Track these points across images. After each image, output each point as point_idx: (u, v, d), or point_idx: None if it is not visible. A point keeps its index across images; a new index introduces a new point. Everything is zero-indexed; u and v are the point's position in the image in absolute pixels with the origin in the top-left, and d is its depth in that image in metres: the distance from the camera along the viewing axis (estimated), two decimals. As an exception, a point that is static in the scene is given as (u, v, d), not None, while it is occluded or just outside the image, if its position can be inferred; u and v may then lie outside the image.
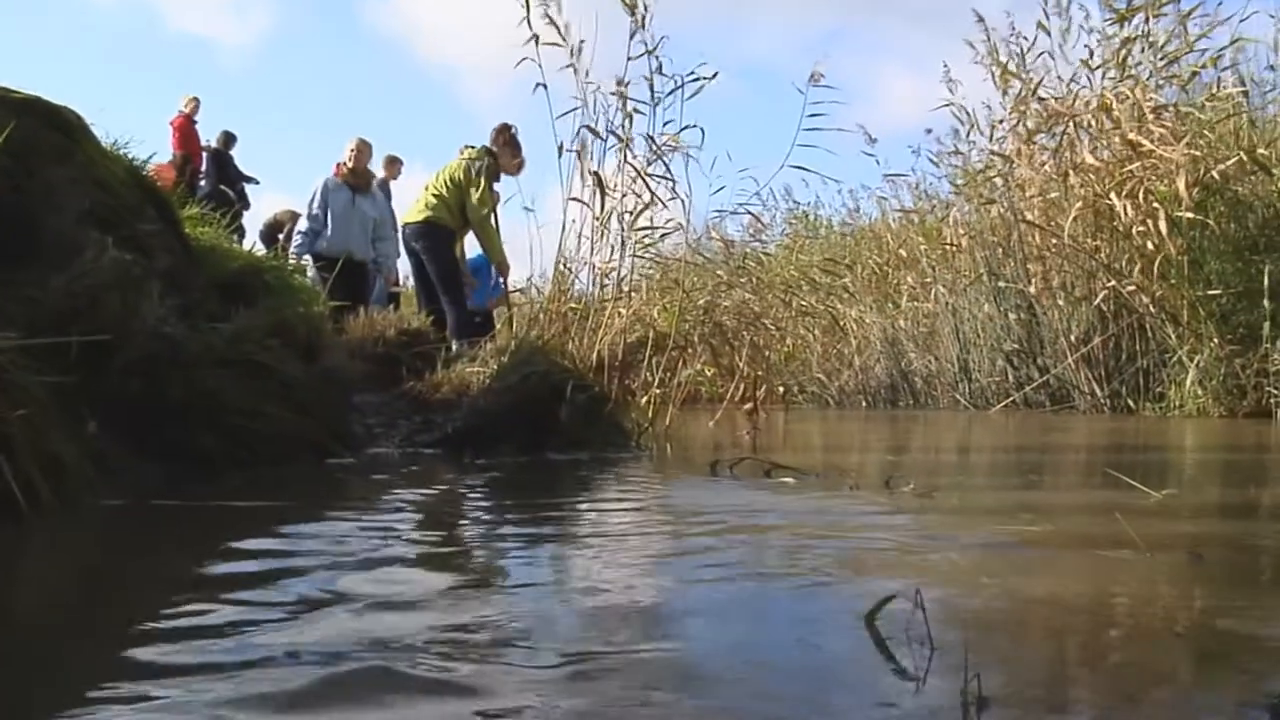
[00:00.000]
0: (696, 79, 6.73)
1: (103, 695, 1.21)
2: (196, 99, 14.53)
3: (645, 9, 6.56)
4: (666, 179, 6.82)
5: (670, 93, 6.67)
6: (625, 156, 6.71)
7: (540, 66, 6.55)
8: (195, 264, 4.48)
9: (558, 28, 6.49)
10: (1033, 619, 1.72)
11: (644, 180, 6.67)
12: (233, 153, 14.82)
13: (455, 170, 8.60)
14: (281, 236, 13.03)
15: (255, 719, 1.13)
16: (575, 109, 6.58)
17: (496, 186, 8.70)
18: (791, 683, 1.30)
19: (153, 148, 4.66)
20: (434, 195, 8.62)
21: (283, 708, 1.16)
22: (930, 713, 1.18)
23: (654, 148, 6.70)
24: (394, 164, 12.37)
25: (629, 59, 6.61)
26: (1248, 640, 1.59)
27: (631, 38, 6.59)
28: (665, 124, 6.71)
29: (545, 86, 6.55)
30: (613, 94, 6.62)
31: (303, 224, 10.08)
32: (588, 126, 6.60)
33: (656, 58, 6.62)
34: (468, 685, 1.25)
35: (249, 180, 15.06)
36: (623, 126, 6.66)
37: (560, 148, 6.60)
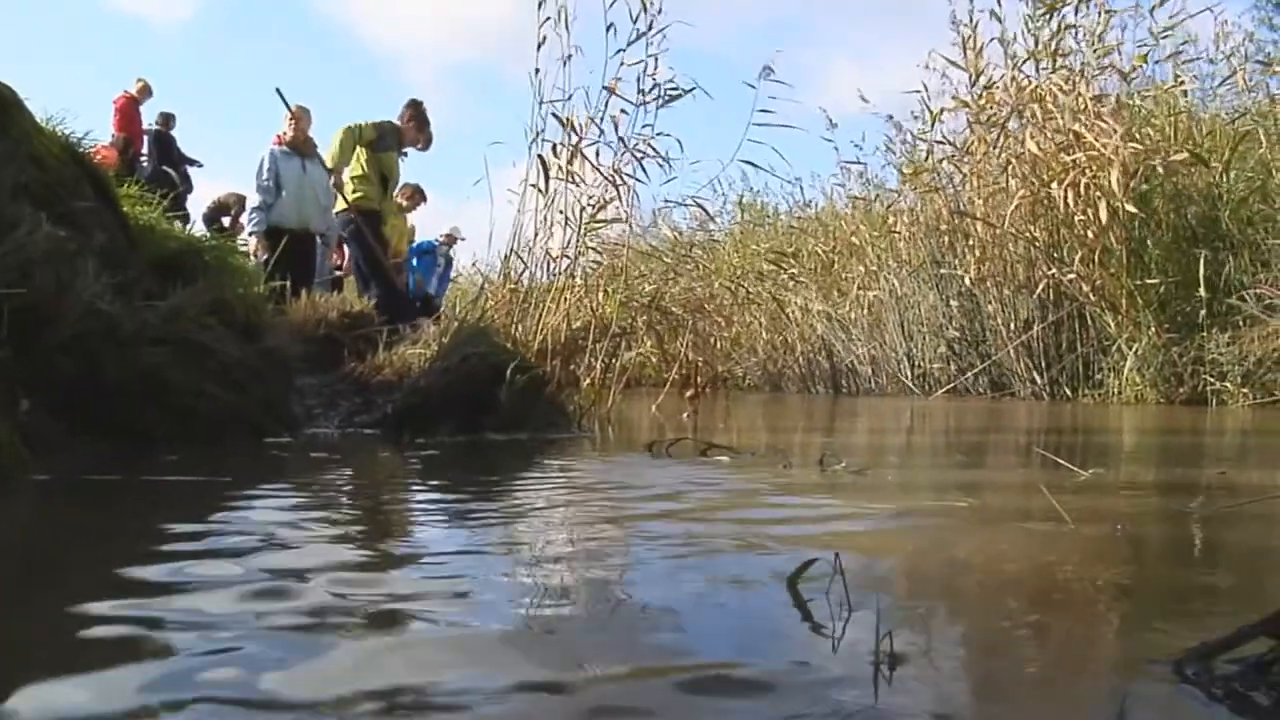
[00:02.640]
0: (676, 89, 6.89)
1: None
2: (147, 84, 14.19)
3: (650, 24, 6.68)
4: (634, 178, 7.00)
5: (650, 100, 6.84)
6: (598, 154, 6.88)
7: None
8: (133, 242, 4.41)
9: (566, 25, 6.57)
10: (951, 584, 1.76)
11: (617, 177, 6.81)
12: (174, 134, 14.58)
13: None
14: (227, 220, 12.89)
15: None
16: (561, 99, 6.65)
17: (401, 161, 9.25)
18: (713, 642, 1.33)
19: (88, 126, 4.57)
20: (354, 178, 8.85)
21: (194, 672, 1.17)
22: (843, 669, 1.21)
23: (628, 147, 6.86)
24: None
25: (623, 63, 6.76)
26: (1158, 605, 1.64)
27: (630, 43, 6.72)
28: (644, 126, 6.89)
29: (538, 72, 6.61)
30: (605, 89, 6.75)
31: (255, 198, 9.72)
32: (571, 121, 6.68)
33: (656, 62, 6.79)
34: (408, 647, 1.27)
35: (192, 162, 14.85)
36: (613, 124, 6.85)
37: (532, 133, 6.64)
